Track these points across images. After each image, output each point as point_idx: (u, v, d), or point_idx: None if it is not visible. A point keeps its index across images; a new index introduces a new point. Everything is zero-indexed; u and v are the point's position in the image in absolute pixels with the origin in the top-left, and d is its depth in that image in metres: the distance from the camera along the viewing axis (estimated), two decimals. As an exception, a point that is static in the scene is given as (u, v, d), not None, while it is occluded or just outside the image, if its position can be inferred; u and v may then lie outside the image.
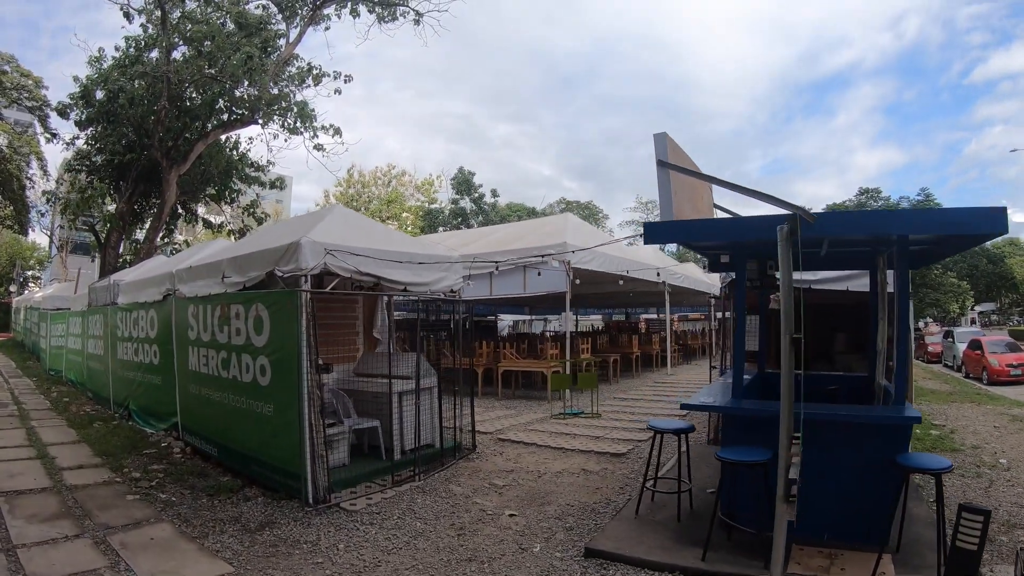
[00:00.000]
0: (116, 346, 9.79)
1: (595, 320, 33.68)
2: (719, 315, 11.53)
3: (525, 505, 5.63)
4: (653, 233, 5.24)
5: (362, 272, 6.19)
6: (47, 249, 49.02)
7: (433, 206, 41.38)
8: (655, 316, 38.44)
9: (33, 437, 8.29)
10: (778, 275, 5.34)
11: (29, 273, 44.21)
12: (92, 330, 11.51)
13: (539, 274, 11.38)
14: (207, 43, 13.61)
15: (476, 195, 42.91)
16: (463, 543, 4.71)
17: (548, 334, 19.31)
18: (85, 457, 7.29)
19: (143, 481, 6.32)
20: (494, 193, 44.80)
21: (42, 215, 32.66)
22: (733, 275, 8.20)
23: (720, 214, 5.30)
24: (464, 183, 41.46)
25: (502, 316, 26.47)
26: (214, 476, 6.52)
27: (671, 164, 4.26)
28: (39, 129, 28.29)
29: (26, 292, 33.05)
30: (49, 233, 38.28)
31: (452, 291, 7.57)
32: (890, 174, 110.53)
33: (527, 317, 29.40)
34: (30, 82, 26.66)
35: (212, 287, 6.70)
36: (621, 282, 13.47)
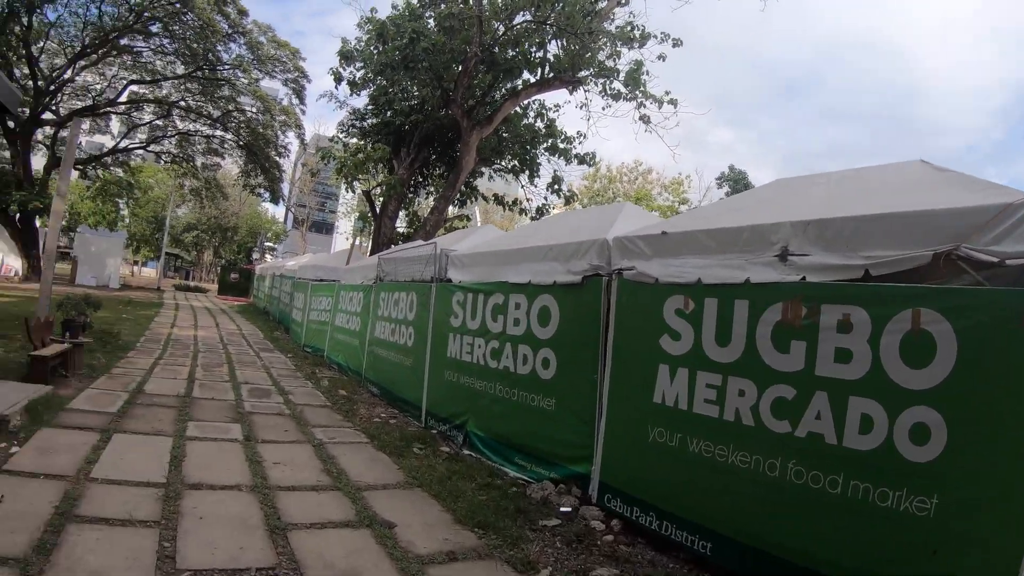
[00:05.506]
0: (446, 338, 7.07)
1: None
2: None
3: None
4: None
5: None
6: (283, 224, 53.23)
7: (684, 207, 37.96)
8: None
9: (330, 465, 5.32)
10: None
11: (268, 245, 47.62)
12: (386, 311, 9.21)
13: None
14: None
15: (750, 193, 39.22)
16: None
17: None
18: (443, 525, 4.16)
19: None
20: (766, 192, 40.77)
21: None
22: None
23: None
24: (738, 182, 37.89)
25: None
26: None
27: None
28: (295, 101, 28.68)
29: (269, 259, 34.46)
30: (288, 208, 40.59)
31: None
32: None
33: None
34: (287, 52, 26.78)
35: (756, 269, 3.32)
36: None
